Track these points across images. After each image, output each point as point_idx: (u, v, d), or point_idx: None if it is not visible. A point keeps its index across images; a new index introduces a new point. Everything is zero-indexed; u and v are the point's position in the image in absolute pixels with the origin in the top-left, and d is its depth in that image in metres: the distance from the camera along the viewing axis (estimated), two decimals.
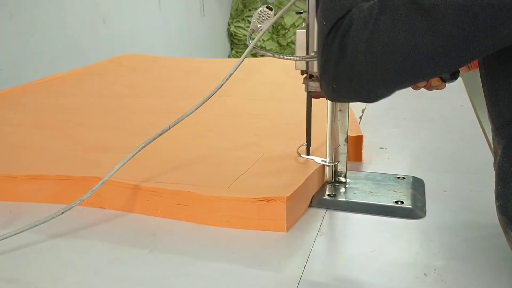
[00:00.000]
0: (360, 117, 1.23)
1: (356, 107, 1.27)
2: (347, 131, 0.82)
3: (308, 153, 0.83)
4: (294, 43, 0.79)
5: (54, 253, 0.66)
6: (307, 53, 0.75)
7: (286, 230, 0.69)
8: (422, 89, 0.73)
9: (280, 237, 0.68)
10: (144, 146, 0.76)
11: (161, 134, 0.76)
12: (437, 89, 0.72)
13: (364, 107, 1.30)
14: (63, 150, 0.93)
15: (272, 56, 0.73)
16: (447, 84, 0.72)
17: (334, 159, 0.82)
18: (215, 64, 1.78)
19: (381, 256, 0.64)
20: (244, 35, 4.08)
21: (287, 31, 4.28)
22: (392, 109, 1.29)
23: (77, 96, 1.36)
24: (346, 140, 0.82)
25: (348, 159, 0.97)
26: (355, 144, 0.96)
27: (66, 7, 2.42)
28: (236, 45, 4.19)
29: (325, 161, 0.82)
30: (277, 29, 4.34)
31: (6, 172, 0.81)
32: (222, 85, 0.75)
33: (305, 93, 0.79)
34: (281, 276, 0.60)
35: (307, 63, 0.76)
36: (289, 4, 0.76)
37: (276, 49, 4.18)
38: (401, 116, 1.24)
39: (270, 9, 0.80)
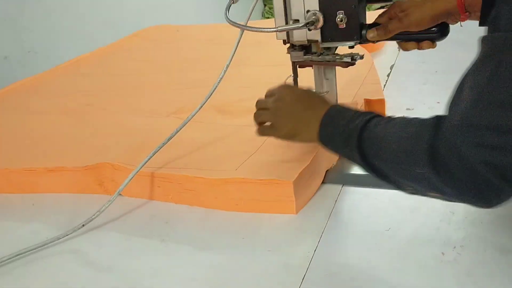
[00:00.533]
0: (388, 75, 1.15)
1: (383, 63, 1.20)
2: (337, 100, 0.79)
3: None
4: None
5: (70, 247, 0.67)
6: (286, 21, 0.70)
7: (296, 212, 0.66)
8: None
9: (290, 219, 0.66)
10: (165, 144, 0.77)
11: (176, 133, 0.78)
12: (431, 48, 0.68)
13: (392, 63, 1.22)
14: (84, 137, 0.94)
15: (256, 31, 0.67)
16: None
17: None
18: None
19: (397, 235, 0.60)
20: None
21: None
22: (424, 62, 1.20)
23: (101, 77, 1.37)
24: None
25: None
26: (377, 108, 0.90)
27: None
28: (269, 1, 4.06)
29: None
30: None
31: (27, 164, 0.84)
32: (225, 71, 0.74)
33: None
34: (290, 261, 0.58)
35: (287, 33, 0.72)
36: None
37: None
38: (433, 69, 1.15)
39: None
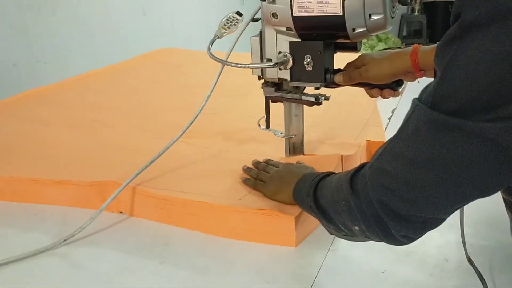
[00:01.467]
0: (389, 118, 1.18)
1: (384, 106, 1.23)
2: (303, 135, 0.86)
3: (267, 126, 0.87)
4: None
5: (68, 260, 0.68)
6: (261, 59, 0.78)
7: (295, 245, 0.68)
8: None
9: (289, 252, 0.67)
10: (157, 158, 0.80)
11: (164, 151, 0.82)
12: (393, 96, 0.76)
13: (394, 107, 1.25)
14: (89, 152, 0.95)
15: (235, 66, 0.73)
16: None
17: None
18: (248, 58, 1.77)
19: (392, 278, 0.62)
20: None
21: None
22: None
23: (110, 94, 1.39)
24: (302, 143, 0.87)
25: None
26: None
27: (107, 0, 2.48)
28: None
29: (283, 133, 0.87)
30: None
31: (32, 174, 0.85)
32: (206, 101, 0.82)
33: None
34: None
35: (261, 70, 0.79)
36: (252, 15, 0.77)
37: None
38: None
39: (240, 14, 0.80)
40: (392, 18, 0.68)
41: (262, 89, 0.82)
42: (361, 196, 0.51)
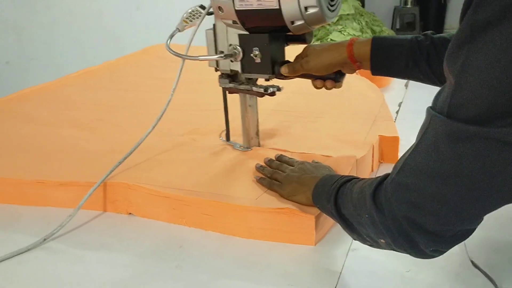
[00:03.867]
0: (397, 112, 1.17)
1: (391, 99, 1.21)
2: (257, 125, 0.89)
3: (228, 139, 0.92)
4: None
5: (82, 265, 0.66)
6: (216, 51, 0.81)
7: (315, 243, 0.66)
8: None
9: (309, 252, 0.65)
10: (131, 152, 0.83)
11: (141, 142, 0.84)
12: (335, 87, 0.78)
13: (401, 100, 1.24)
14: (93, 152, 0.93)
15: (191, 59, 0.75)
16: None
17: (250, 146, 0.90)
18: None
19: (417, 277, 0.60)
20: None
21: None
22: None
23: (110, 91, 1.36)
24: (257, 133, 0.89)
25: (382, 160, 0.93)
26: (391, 146, 0.91)
27: None
28: None
29: (243, 147, 0.89)
30: None
31: (38, 176, 0.82)
32: (170, 100, 0.85)
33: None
34: None
35: (217, 62, 0.81)
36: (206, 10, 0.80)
37: None
38: None
39: (203, 8, 0.81)
40: (333, 11, 0.70)
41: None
42: (386, 212, 0.49)
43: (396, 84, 1.35)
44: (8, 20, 1.98)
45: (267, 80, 0.79)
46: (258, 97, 0.85)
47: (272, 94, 0.80)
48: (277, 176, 0.74)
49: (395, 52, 0.71)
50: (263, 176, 0.76)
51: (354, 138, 0.90)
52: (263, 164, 0.81)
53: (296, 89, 1.22)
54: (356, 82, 1.25)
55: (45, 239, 0.71)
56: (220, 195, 0.72)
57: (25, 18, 2.05)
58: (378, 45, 0.71)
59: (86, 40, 2.34)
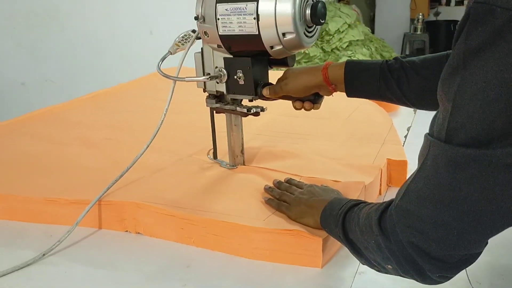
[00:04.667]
0: (405, 136, 1.17)
1: (400, 124, 1.22)
2: (242, 144, 0.92)
3: (215, 157, 0.95)
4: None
5: (90, 282, 0.66)
6: (203, 73, 0.85)
7: (322, 266, 0.66)
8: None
9: (315, 274, 0.65)
10: (126, 171, 0.85)
11: (132, 165, 0.86)
12: (314, 108, 0.80)
13: (409, 125, 1.24)
14: (104, 171, 0.94)
15: (178, 80, 0.79)
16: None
17: (235, 164, 0.93)
18: None
19: None
20: None
21: (331, 37, 4.21)
22: None
23: (121, 112, 1.38)
24: (242, 151, 0.93)
25: (391, 183, 0.94)
26: (399, 169, 0.92)
27: (115, 19, 2.50)
28: (298, 54, 4.17)
29: (229, 164, 0.93)
30: (321, 35, 4.28)
31: (48, 194, 0.83)
32: (163, 120, 0.87)
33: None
34: None
35: (204, 83, 0.86)
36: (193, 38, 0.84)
37: (320, 55, 4.12)
38: None
39: (194, 32, 0.84)
40: (310, 37, 0.74)
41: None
42: (391, 238, 0.49)
43: (404, 109, 1.36)
44: (24, 42, 2.03)
45: (250, 100, 0.83)
46: (253, 117, 0.87)
47: (256, 114, 0.83)
48: (286, 198, 0.74)
49: (366, 75, 0.74)
50: (271, 197, 0.77)
51: (362, 162, 0.91)
52: (271, 185, 0.81)
53: (305, 113, 1.24)
54: (365, 106, 1.26)
55: (44, 254, 0.71)
56: (227, 215, 0.72)
57: (40, 40, 2.10)
58: (351, 68, 0.74)
59: (99, 63, 2.39)
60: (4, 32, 1.93)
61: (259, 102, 0.84)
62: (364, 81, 0.74)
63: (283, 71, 0.82)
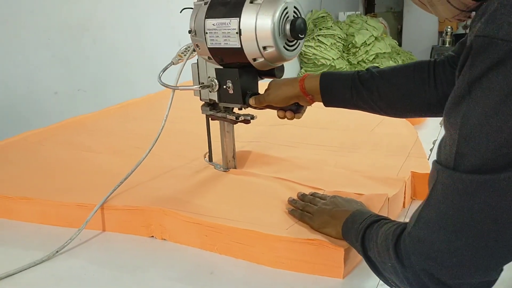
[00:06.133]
0: (431, 150, 1.17)
1: (426, 137, 1.21)
2: (234, 149, 0.98)
3: (210, 160, 1.01)
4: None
5: (118, 285, 0.68)
6: (198, 82, 0.92)
7: (343, 277, 0.66)
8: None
9: (336, 285, 0.66)
10: (126, 178, 0.90)
11: (132, 172, 0.90)
12: (295, 118, 0.84)
13: (435, 139, 1.23)
14: (133, 178, 0.96)
15: (172, 88, 0.86)
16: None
17: (227, 167, 0.99)
18: None
19: None
20: (314, 54, 4.06)
21: (358, 49, 4.21)
22: None
23: (149, 122, 1.42)
24: (234, 156, 0.99)
25: (415, 196, 0.93)
26: (424, 183, 0.91)
27: (144, 31, 2.56)
28: (305, 64, 4.19)
29: (222, 167, 0.99)
30: (347, 47, 4.28)
31: (79, 199, 0.86)
32: (163, 127, 0.94)
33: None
34: None
35: (200, 91, 0.92)
36: (190, 52, 0.91)
37: (346, 67, 4.12)
38: None
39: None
40: (292, 51, 0.78)
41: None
42: (406, 264, 0.49)
43: (431, 122, 1.35)
44: (58, 53, 2.10)
45: (240, 109, 0.88)
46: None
47: (246, 121, 0.89)
48: (309, 209, 0.75)
49: (339, 86, 0.77)
50: (294, 208, 0.78)
51: (386, 174, 0.91)
52: (295, 197, 0.82)
53: (332, 125, 1.25)
54: (390, 119, 1.26)
55: (57, 251, 0.76)
56: (250, 224, 0.73)
57: (73, 52, 2.18)
58: (325, 79, 0.77)
59: (129, 74, 2.45)
60: (40, 44, 2.01)
61: (249, 111, 0.89)
62: (338, 91, 0.77)
63: None
